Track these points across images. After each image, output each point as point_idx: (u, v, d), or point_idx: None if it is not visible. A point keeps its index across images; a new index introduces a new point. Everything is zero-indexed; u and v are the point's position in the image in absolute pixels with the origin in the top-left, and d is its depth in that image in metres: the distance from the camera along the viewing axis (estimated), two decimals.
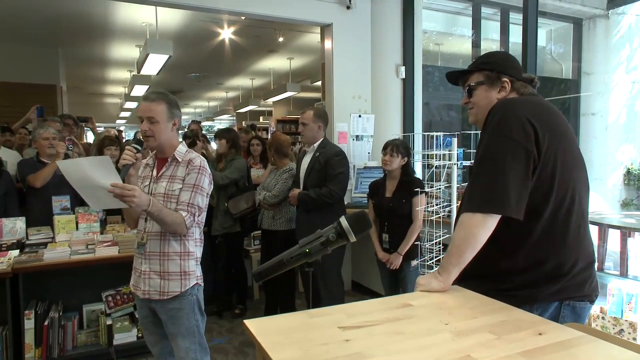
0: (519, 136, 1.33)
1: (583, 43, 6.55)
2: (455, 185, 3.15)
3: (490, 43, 6.82)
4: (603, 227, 4.53)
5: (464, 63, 7.16)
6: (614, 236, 4.69)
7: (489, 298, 1.38)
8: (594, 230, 4.83)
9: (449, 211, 3.15)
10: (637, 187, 6.22)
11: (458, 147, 3.23)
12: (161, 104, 2.05)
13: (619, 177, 6.38)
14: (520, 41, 6.51)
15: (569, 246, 1.40)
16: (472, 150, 3.38)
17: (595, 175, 6.53)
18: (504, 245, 1.40)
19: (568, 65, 6.82)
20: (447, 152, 3.20)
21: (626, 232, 4.08)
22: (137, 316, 3.24)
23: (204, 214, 2.15)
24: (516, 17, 6.31)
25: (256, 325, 1.15)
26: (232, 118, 15.95)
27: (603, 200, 6.49)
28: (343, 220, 1.11)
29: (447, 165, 3.16)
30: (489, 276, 1.44)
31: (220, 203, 3.92)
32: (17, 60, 6.60)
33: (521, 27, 6.37)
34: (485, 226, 1.33)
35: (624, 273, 3.93)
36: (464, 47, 6.98)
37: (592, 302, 1.45)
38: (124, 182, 1.90)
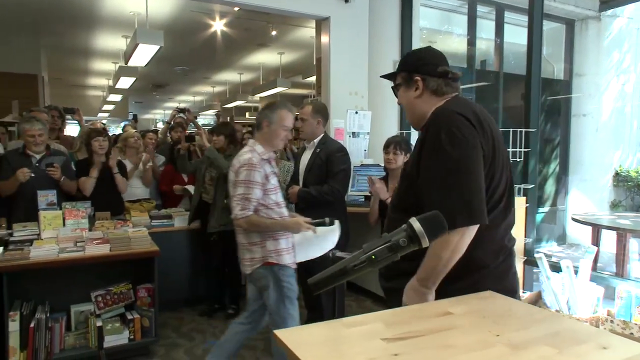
0: (473, 142, 1.34)
1: (575, 44, 6.58)
2: None
3: (482, 42, 6.81)
4: (597, 228, 4.55)
5: (455, 61, 7.14)
6: (607, 237, 4.72)
7: (527, 304, 1.30)
8: (587, 231, 4.86)
9: None
10: (626, 189, 6.29)
11: None
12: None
13: (608, 179, 6.45)
14: (514, 41, 6.52)
15: (497, 237, 1.44)
16: None
17: (584, 176, 6.59)
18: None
19: (560, 66, 6.86)
20: None
21: (622, 234, 4.08)
22: (129, 317, 3.11)
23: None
24: (510, 17, 6.32)
25: (290, 337, 1.04)
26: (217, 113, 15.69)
27: (591, 201, 6.56)
28: (415, 222, 0.99)
29: None
30: (411, 273, 1.42)
31: (217, 199, 3.77)
32: None
33: (515, 26, 6.39)
34: (469, 238, 1.33)
35: (621, 274, 3.95)
36: (455, 45, 6.96)
37: (513, 296, 1.46)
38: None
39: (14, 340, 2.79)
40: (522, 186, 3.28)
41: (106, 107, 13.45)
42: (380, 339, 1.04)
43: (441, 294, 1.37)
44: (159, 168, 4.52)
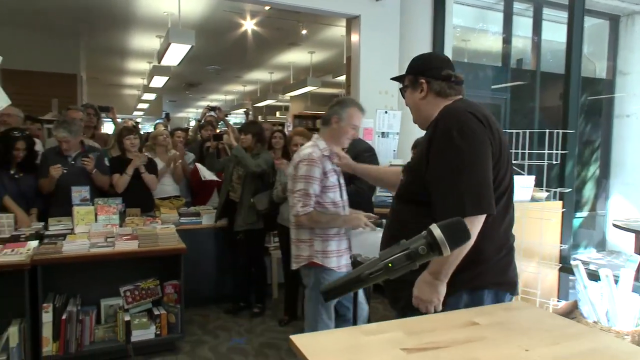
0: (482, 137, 1.40)
1: (620, 41, 6.27)
2: None
3: (518, 40, 6.59)
4: None
5: (490, 60, 6.95)
6: None
7: (557, 316, 1.23)
8: (629, 238, 4.61)
9: None
10: None
11: None
12: None
13: None
14: (552, 38, 6.28)
15: (501, 232, 1.49)
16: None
17: (627, 179, 6.28)
18: None
19: (602, 65, 6.56)
20: None
21: None
22: (156, 313, 3.16)
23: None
24: (549, 13, 6.09)
25: (305, 344, 1.01)
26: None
27: (635, 206, 6.24)
28: (435, 228, 0.92)
29: None
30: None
31: (244, 198, 3.78)
32: (39, 49, 6.55)
33: (554, 23, 6.15)
34: (477, 229, 1.36)
35: None
36: (490, 43, 6.77)
37: (512, 292, 1.53)
38: None
39: (47, 331, 2.87)
40: (558, 190, 3.14)
41: (141, 105, 13.79)
42: (400, 349, 1.00)
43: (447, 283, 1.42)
44: (188, 166, 4.58)
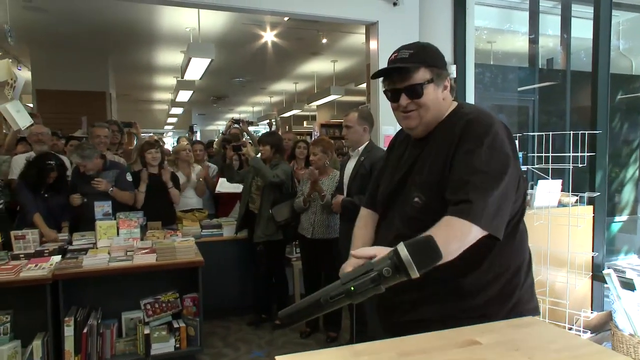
0: (512, 151, 1.26)
1: None
2: None
3: (548, 40, 6.37)
4: None
5: (518, 61, 6.74)
6: None
7: (571, 334, 1.12)
8: None
9: None
10: None
11: (518, 150, 2.92)
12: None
13: None
14: (583, 36, 6.03)
15: (523, 250, 1.37)
16: (533, 154, 3.07)
17: None
18: (470, 258, 1.20)
19: (639, 61, 6.24)
20: None
21: None
22: (175, 326, 3.16)
23: None
24: (579, 10, 5.85)
25: None
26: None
27: None
28: (402, 248, 0.85)
29: None
30: (451, 296, 1.29)
31: (263, 209, 3.77)
32: (70, 69, 6.81)
33: (585, 20, 5.90)
34: (475, 239, 1.17)
35: None
36: (518, 44, 6.57)
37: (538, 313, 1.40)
38: None
39: (69, 345, 2.91)
40: (586, 194, 2.96)
41: (170, 120, 14.13)
42: None
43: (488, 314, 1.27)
44: (212, 178, 4.62)
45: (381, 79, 1.40)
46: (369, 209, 1.58)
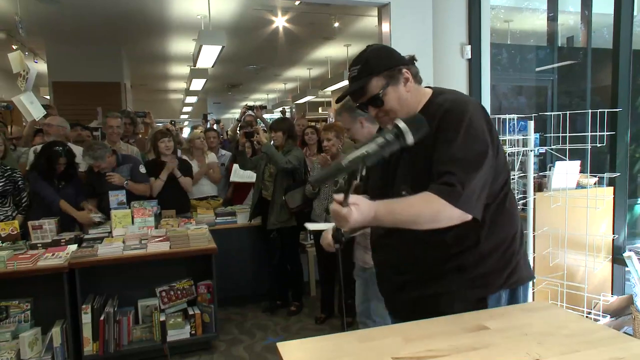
0: (489, 132, 1.31)
1: None
2: (531, 174, 2.77)
3: (568, 16, 6.16)
4: None
5: (536, 40, 6.54)
6: None
7: (585, 318, 1.09)
8: None
9: (524, 204, 2.78)
10: None
11: (534, 131, 2.84)
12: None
13: None
14: (605, 11, 5.81)
15: (515, 218, 1.42)
16: (550, 135, 2.97)
17: None
18: (466, 236, 1.32)
19: None
20: (521, 138, 2.83)
21: None
22: (190, 313, 3.20)
23: None
24: None
25: (288, 352, 0.94)
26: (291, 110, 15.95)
27: None
28: (399, 121, 1.09)
29: (521, 152, 2.79)
30: (454, 271, 1.35)
31: (276, 196, 3.76)
32: (83, 60, 6.86)
33: None
34: (451, 221, 1.23)
35: None
36: (537, 23, 6.37)
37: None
38: None
39: (87, 332, 2.97)
40: (606, 175, 2.87)
41: (186, 109, 14.20)
42: (391, 358, 0.90)
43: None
44: (219, 165, 4.62)
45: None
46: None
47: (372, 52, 1.40)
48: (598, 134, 2.59)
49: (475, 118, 1.29)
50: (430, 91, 1.43)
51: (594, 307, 2.74)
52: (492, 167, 1.28)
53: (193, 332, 3.16)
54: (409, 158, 1.36)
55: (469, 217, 1.22)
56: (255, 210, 4.04)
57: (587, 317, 2.65)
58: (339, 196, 1.16)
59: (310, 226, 2.26)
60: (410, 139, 1.08)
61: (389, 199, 1.23)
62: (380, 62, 1.37)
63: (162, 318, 3.12)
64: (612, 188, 2.93)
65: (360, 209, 1.15)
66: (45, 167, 3.47)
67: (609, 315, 2.72)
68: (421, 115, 1.13)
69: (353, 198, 1.15)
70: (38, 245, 3.12)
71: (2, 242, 3.13)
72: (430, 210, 1.21)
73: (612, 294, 2.91)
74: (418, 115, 1.12)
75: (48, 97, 7.09)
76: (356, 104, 1.45)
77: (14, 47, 6.06)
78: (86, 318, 2.97)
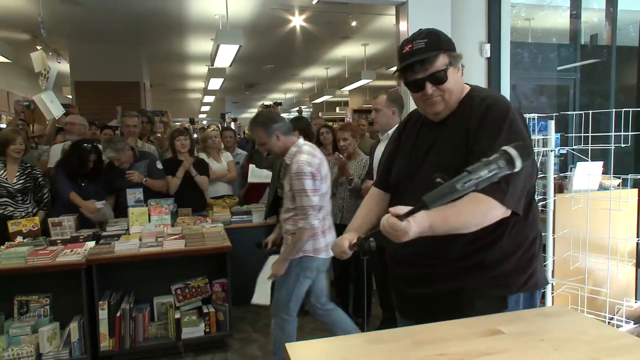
0: (528, 134, 1.35)
1: None
2: (552, 175, 2.70)
3: (592, 14, 6.01)
4: None
5: (559, 39, 6.40)
6: None
7: (606, 325, 1.04)
8: None
9: (544, 205, 2.71)
10: None
11: (555, 131, 2.77)
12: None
13: None
14: (630, 8, 5.64)
15: (536, 222, 1.43)
16: (571, 135, 2.90)
17: None
18: (492, 233, 1.32)
19: None
20: (542, 138, 2.77)
21: None
22: (205, 311, 3.21)
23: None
24: None
25: (298, 352, 0.92)
26: (308, 109, 15.96)
27: None
28: (508, 148, 1.04)
29: (542, 153, 2.72)
30: (477, 268, 1.35)
31: None
32: (104, 60, 6.97)
33: None
34: (495, 219, 1.26)
35: None
36: (559, 21, 6.23)
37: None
38: None
39: (103, 327, 3.01)
40: (630, 176, 2.77)
41: (204, 108, 14.32)
42: None
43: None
44: (235, 164, 4.64)
45: (395, 74, 1.45)
46: (379, 189, 1.64)
47: (439, 31, 1.41)
48: (622, 134, 2.51)
49: (516, 117, 1.32)
50: (467, 86, 1.46)
51: (616, 313, 2.66)
52: (530, 165, 1.30)
53: (207, 330, 3.18)
54: (443, 146, 1.39)
55: (509, 212, 1.25)
56: (271, 209, 4.04)
57: (608, 323, 2.57)
58: (396, 209, 1.12)
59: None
60: (519, 164, 1.05)
61: (438, 207, 1.13)
62: (449, 41, 1.40)
63: (177, 315, 3.14)
64: (636, 190, 2.84)
65: (416, 220, 1.12)
66: (76, 164, 3.52)
67: (632, 322, 2.63)
68: (522, 142, 1.10)
69: (405, 208, 1.11)
70: (57, 241, 3.17)
71: (24, 238, 3.20)
72: (479, 211, 1.22)
73: (635, 300, 2.82)
74: (520, 142, 1.08)
75: (70, 96, 7.21)
76: (405, 80, 1.40)
77: (38, 47, 6.20)
78: (103, 314, 3.01)
